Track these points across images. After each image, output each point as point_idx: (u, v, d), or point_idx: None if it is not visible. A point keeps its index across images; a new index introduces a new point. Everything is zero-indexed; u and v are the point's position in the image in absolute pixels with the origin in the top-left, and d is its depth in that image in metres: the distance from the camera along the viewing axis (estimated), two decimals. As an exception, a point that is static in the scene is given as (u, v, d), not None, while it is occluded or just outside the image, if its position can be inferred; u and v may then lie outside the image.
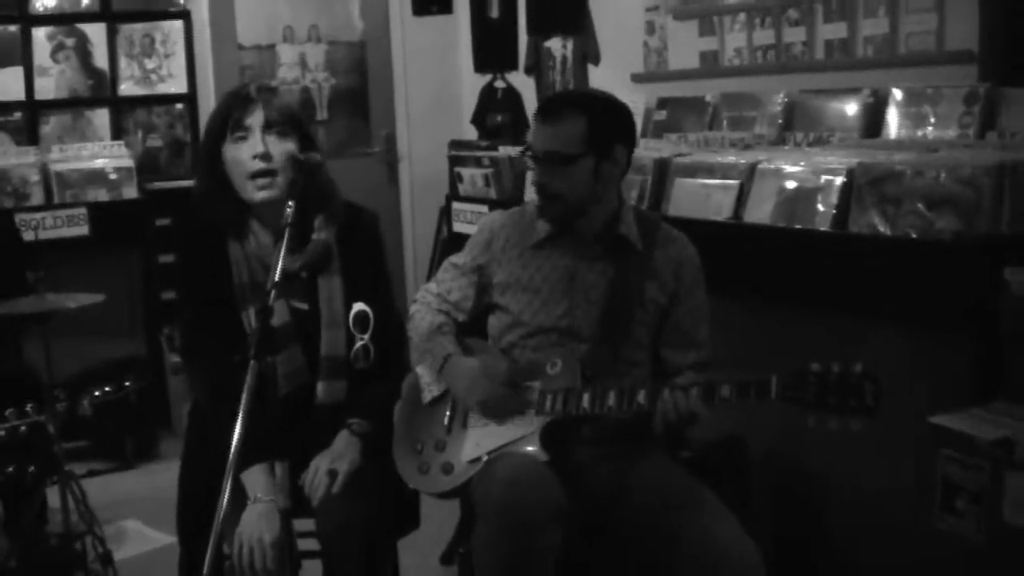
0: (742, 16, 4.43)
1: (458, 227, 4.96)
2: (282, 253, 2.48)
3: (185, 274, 2.89)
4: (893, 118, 3.67)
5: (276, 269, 2.46)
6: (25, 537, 3.75)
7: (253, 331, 2.41)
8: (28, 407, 2.57)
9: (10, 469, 2.77)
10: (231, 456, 2.24)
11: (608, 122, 2.74)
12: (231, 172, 2.74)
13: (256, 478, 2.63)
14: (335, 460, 2.70)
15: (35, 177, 5.28)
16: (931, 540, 2.61)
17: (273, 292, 2.44)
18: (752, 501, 3.26)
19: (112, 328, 5.35)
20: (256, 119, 2.72)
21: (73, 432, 5.14)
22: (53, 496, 3.84)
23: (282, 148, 2.72)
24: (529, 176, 2.82)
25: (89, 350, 5.31)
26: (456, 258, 2.95)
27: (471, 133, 6.07)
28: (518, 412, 2.67)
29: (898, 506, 2.90)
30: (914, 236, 2.87)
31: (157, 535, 4.27)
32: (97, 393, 5.23)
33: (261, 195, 2.72)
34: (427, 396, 2.84)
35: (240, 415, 2.27)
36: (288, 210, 2.55)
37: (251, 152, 2.71)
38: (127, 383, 5.29)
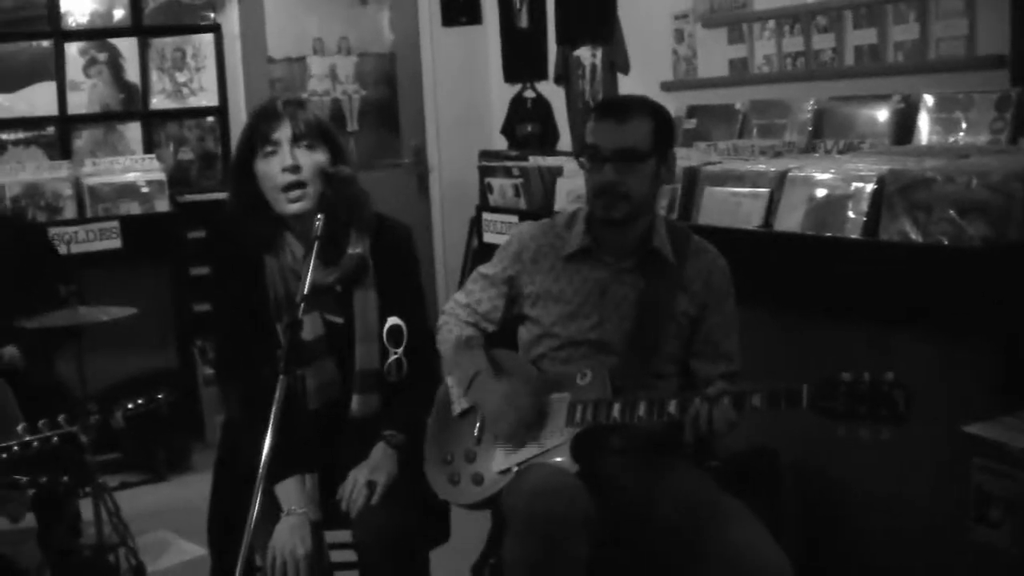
0: (771, 23, 4.42)
1: (488, 238, 4.96)
2: (311, 266, 2.49)
3: (220, 289, 2.90)
4: (924, 124, 3.65)
5: (305, 282, 2.48)
6: (58, 549, 3.77)
7: (283, 345, 2.41)
8: (60, 418, 2.58)
9: (43, 480, 2.78)
10: (261, 468, 2.25)
11: (668, 126, 2.78)
12: (263, 187, 2.75)
13: (289, 490, 2.65)
14: (373, 471, 2.71)
15: (68, 191, 5.30)
16: (965, 551, 2.58)
17: (302, 305, 2.45)
18: (783, 512, 3.24)
19: (145, 340, 5.36)
20: (284, 133, 2.73)
21: (106, 444, 5.15)
22: (86, 508, 3.87)
23: (311, 160, 2.73)
24: (578, 180, 2.79)
25: (122, 363, 5.32)
26: (485, 268, 2.95)
27: (501, 143, 6.07)
28: (535, 440, 2.67)
29: (931, 516, 2.87)
30: (945, 243, 2.85)
31: (190, 547, 4.28)
32: (130, 405, 5.23)
33: (293, 207, 2.72)
34: (456, 408, 2.84)
35: (270, 428, 2.27)
36: (318, 223, 2.57)
37: (281, 165, 2.71)
38: (160, 395, 5.30)
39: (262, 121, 2.77)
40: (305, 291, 2.47)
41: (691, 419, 2.47)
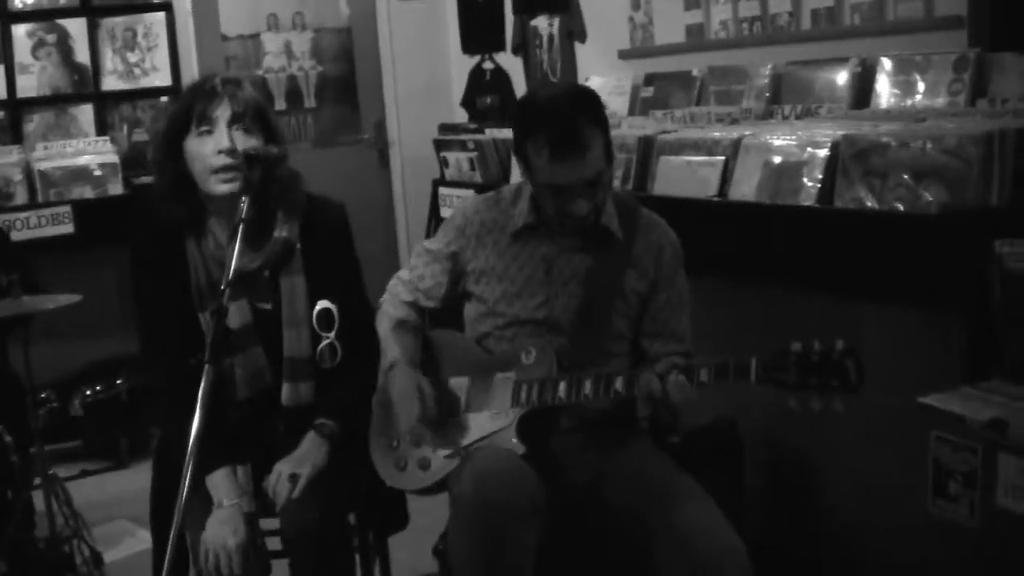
0: (727, -13, 4.35)
1: (445, 212, 4.90)
2: (236, 252, 2.40)
3: (140, 276, 2.80)
4: (883, 87, 3.58)
5: (229, 268, 2.39)
6: (11, 542, 3.70)
7: (208, 333, 2.33)
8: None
9: None
10: (186, 460, 2.19)
11: (605, 117, 2.64)
12: (192, 167, 2.66)
13: (219, 483, 2.58)
14: (297, 464, 2.63)
15: (18, 176, 5.21)
16: (925, 524, 2.54)
17: (227, 292, 2.37)
18: (744, 485, 3.19)
19: (102, 326, 5.29)
20: (223, 113, 2.64)
21: (65, 432, 5.12)
22: (39, 500, 3.79)
23: (247, 143, 2.63)
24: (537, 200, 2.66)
25: (80, 349, 5.28)
26: (429, 243, 2.88)
27: (462, 116, 5.99)
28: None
29: (892, 489, 2.83)
30: (901, 210, 2.78)
31: (148, 535, 4.20)
32: (88, 393, 5.21)
33: (223, 188, 2.62)
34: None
35: (195, 419, 2.20)
36: (242, 206, 2.47)
37: (216, 147, 2.62)
38: (118, 382, 5.27)
39: (199, 99, 2.66)
40: (230, 277, 2.38)
41: (643, 394, 2.41)
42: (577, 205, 2.57)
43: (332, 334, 2.74)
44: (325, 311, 2.74)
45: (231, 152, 2.61)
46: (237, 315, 2.67)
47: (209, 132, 2.63)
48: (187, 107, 2.67)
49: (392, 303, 2.84)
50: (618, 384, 2.45)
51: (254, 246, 2.65)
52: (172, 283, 2.70)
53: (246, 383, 2.70)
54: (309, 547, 2.51)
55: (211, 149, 2.62)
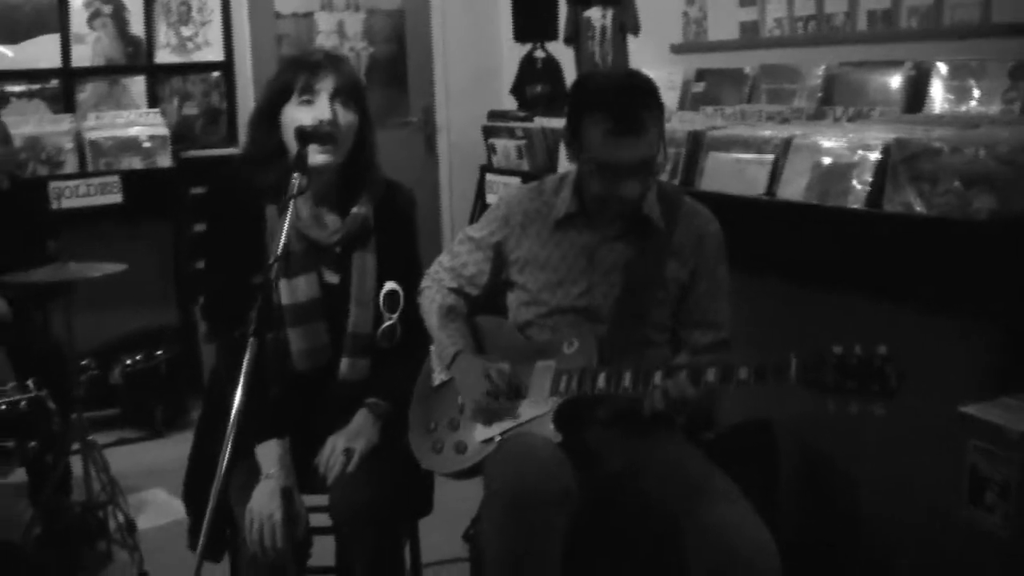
0: (783, -14, 4.31)
1: (491, 199, 4.90)
2: (285, 229, 2.43)
3: (216, 242, 2.84)
4: (937, 92, 3.55)
5: (279, 243, 2.41)
6: (48, 506, 3.75)
7: (256, 307, 2.34)
8: (29, 382, 2.52)
9: (10, 444, 2.74)
10: (228, 429, 2.21)
11: (662, 105, 2.64)
12: (289, 135, 2.68)
13: (270, 453, 2.60)
14: (352, 439, 2.66)
15: (69, 145, 5.26)
16: (958, 532, 2.52)
17: (276, 267, 2.39)
18: (778, 485, 3.18)
19: (145, 297, 5.36)
20: (326, 85, 2.67)
21: (104, 400, 5.17)
22: (77, 465, 3.84)
23: (347, 118, 2.69)
24: (581, 180, 2.66)
25: (122, 319, 5.33)
26: (472, 231, 2.88)
27: (511, 104, 5.98)
28: (508, 415, 2.62)
29: (927, 496, 2.81)
30: (950, 216, 2.76)
31: (181, 505, 4.24)
32: (128, 362, 5.26)
33: (320, 159, 2.65)
34: (436, 380, 2.79)
35: (239, 390, 2.23)
36: (294, 182, 2.49)
37: (317, 116, 2.65)
38: (158, 352, 5.32)
39: (303, 69, 2.70)
40: (279, 252, 2.41)
41: (649, 395, 2.43)
42: (627, 186, 2.57)
43: (396, 316, 2.77)
44: (392, 292, 2.78)
45: (331, 124, 2.65)
46: (305, 287, 2.71)
47: (310, 102, 2.67)
48: (290, 77, 2.71)
49: (437, 289, 2.85)
50: (657, 378, 2.44)
51: (333, 219, 2.71)
52: (244, 248, 2.72)
53: (306, 356, 2.73)
54: (361, 524, 2.53)
55: (311, 118, 2.65)
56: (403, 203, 2.89)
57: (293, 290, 2.70)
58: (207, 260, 2.88)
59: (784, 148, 3.34)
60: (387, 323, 2.78)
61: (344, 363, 2.76)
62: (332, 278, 2.77)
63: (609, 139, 2.53)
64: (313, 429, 2.70)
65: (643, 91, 2.59)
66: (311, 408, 2.75)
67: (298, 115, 2.67)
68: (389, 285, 2.78)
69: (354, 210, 2.76)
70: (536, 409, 2.59)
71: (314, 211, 2.75)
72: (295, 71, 2.71)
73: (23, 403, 2.46)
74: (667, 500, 2.46)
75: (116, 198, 5.25)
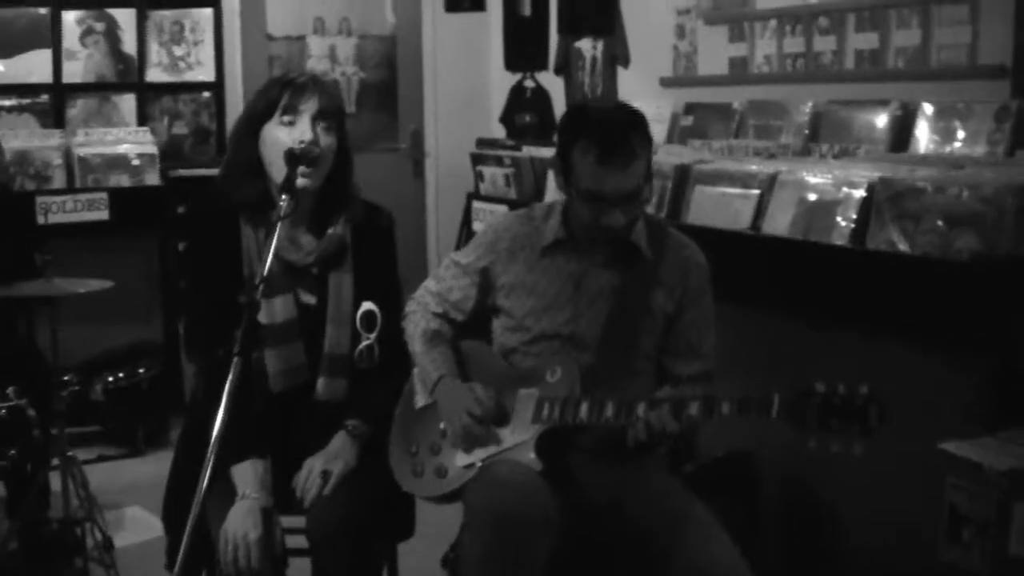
0: (773, 23, 4.37)
1: (477, 226, 4.92)
2: (272, 248, 2.44)
3: (194, 261, 2.85)
4: (922, 132, 3.60)
5: (266, 264, 2.43)
6: (26, 520, 3.73)
7: (240, 326, 2.35)
8: (9, 390, 2.52)
9: (12, 453, 2.73)
10: (210, 448, 2.21)
11: (651, 139, 2.67)
12: (269, 152, 2.70)
13: (245, 474, 2.60)
14: (329, 461, 2.67)
15: (58, 160, 5.27)
16: (939, 569, 2.53)
17: (261, 287, 2.40)
18: (759, 518, 3.19)
19: (129, 314, 5.35)
20: (310, 106, 2.69)
21: (85, 416, 5.15)
22: (56, 481, 3.82)
23: (327, 141, 2.70)
24: (570, 209, 2.68)
25: (105, 335, 5.32)
26: (459, 256, 2.90)
27: (500, 132, 6.01)
28: (490, 442, 2.63)
29: (906, 533, 2.82)
30: (932, 255, 2.79)
31: (159, 523, 4.23)
32: (111, 379, 5.25)
33: (300, 182, 2.65)
34: (419, 402, 2.80)
35: (220, 410, 2.23)
36: (281, 204, 2.51)
37: (298, 137, 2.66)
38: (140, 370, 5.31)
39: (289, 89, 2.71)
40: (265, 272, 2.42)
41: (657, 429, 2.42)
42: (613, 216, 2.59)
43: (373, 336, 2.78)
44: (369, 312, 2.78)
45: (311, 144, 2.66)
46: (282, 309, 2.72)
47: (292, 123, 2.69)
48: (275, 96, 2.72)
49: (422, 314, 2.86)
50: (640, 410, 2.45)
51: (309, 241, 2.72)
52: (222, 267, 2.73)
53: (283, 376, 2.73)
54: (337, 546, 2.53)
55: (291, 139, 2.67)
56: (381, 224, 2.90)
57: (270, 311, 2.70)
58: (187, 281, 2.89)
59: (770, 183, 3.37)
60: (364, 343, 2.78)
61: (321, 383, 2.76)
62: (309, 299, 2.78)
63: (597, 169, 2.55)
64: (291, 450, 2.71)
65: (632, 123, 2.62)
66: (289, 429, 2.76)
67: (279, 134, 2.69)
68: (366, 305, 2.79)
69: (330, 231, 2.77)
70: (518, 436, 2.59)
71: (290, 232, 2.74)
72: (280, 90, 2.72)
73: (3, 411, 2.45)
74: (649, 530, 2.47)
75: (103, 215, 5.26)
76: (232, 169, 2.78)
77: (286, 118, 2.69)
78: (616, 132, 2.57)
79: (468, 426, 2.62)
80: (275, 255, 2.62)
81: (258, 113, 2.74)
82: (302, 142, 2.65)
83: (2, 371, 3.78)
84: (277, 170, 2.68)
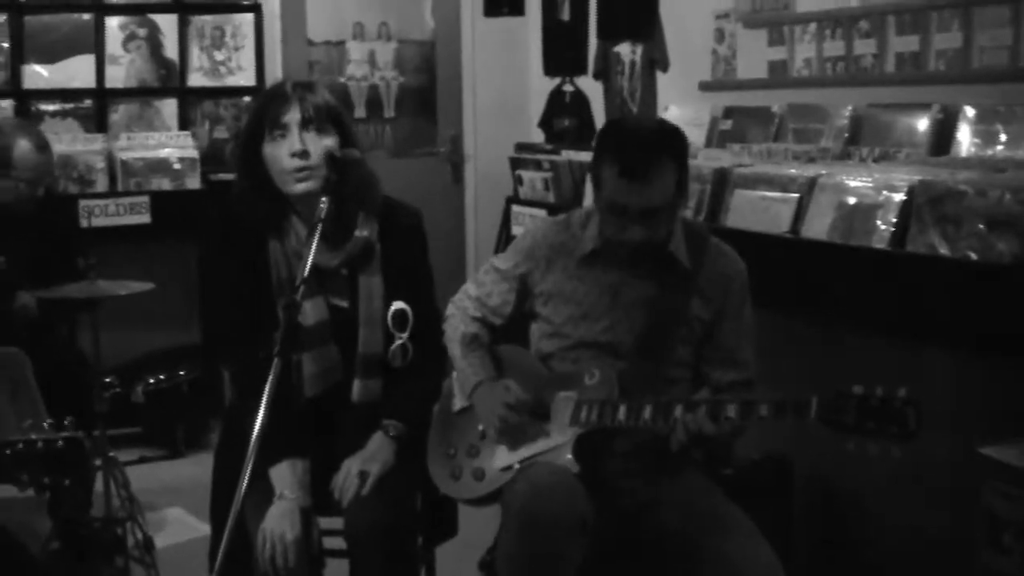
0: (812, 26, 4.33)
1: (516, 230, 4.92)
2: (313, 249, 2.46)
3: (216, 269, 2.87)
4: (964, 136, 3.56)
5: (306, 265, 2.44)
6: (67, 519, 3.77)
7: (280, 328, 2.37)
8: (67, 421, 2.55)
9: (45, 481, 2.74)
10: (249, 451, 2.23)
11: (685, 156, 2.66)
12: (271, 170, 2.73)
13: (283, 474, 2.62)
14: (366, 462, 2.68)
15: (100, 164, 5.33)
16: (975, 575, 2.51)
17: (302, 288, 2.42)
18: (793, 523, 3.18)
19: (169, 317, 5.40)
20: (293, 116, 2.70)
21: (126, 418, 5.20)
22: (99, 481, 3.87)
23: (320, 144, 2.70)
24: (603, 221, 2.68)
25: (145, 338, 5.37)
26: (498, 261, 2.91)
27: (538, 136, 6.02)
28: (533, 438, 2.64)
29: (943, 537, 2.81)
30: (973, 258, 2.77)
31: (200, 524, 4.26)
32: (151, 381, 5.30)
33: (300, 188, 2.69)
34: (457, 405, 2.82)
35: (260, 412, 2.24)
36: (322, 205, 2.53)
37: (289, 150, 2.68)
38: (181, 372, 5.35)
39: (271, 104, 2.73)
40: (305, 273, 2.44)
41: (693, 431, 2.42)
42: (631, 231, 2.59)
43: (406, 335, 2.79)
44: (400, 312, 2.79)
45: (303, 154, 2.67)
46: (313, 312, 2.73)
47: (283, 136, 2.70)
48: (261, 112, 2.75)
49: (461, 318, 2.88)
50: (677, 412, 2.45)
51: (334, 244, 2.71)
52: (250, 276, 2.75)
53: (317, 379, 2.75)
54: (374, 547, 2.54)
55: (285, 152, 2.69)
56: (408, 223, 2.90)
57: (302, 315, 2.71)
58: (211, 290, 2.90)
59: (809, 187, 3.35)
60: (397, 343, 2.80)
61: (356, 385, 2.78)
62: (341, 301, 2.80)
63: (619, 182, 2.56)
64: (329, 452, 2.72)
65: (661, 139, 2.62)
66: (326, 431, 2.77)
67: (274, 150, 2.70)
68: (397, 305, 2.80)
69: (356, 233, 2.78)
70: (556, 438, 2.60)
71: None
72: (264, 107, 2.74)
73: (60, 443, 2.49)
74: (685, 534, 2.47)
75: (145, 218, 5.31)
76: (244, 190, 2.80)
77: (276, 132, 2.70)
78: (641, 147, 2.57)
79: (504, 416, 2.63)
80: (301, 260, 2.64)
81: (252, 133, 2.75)
82: (294, 154, 2.66)
83: (44, 373, 3.83)
84: (282, 183, 2.71)
